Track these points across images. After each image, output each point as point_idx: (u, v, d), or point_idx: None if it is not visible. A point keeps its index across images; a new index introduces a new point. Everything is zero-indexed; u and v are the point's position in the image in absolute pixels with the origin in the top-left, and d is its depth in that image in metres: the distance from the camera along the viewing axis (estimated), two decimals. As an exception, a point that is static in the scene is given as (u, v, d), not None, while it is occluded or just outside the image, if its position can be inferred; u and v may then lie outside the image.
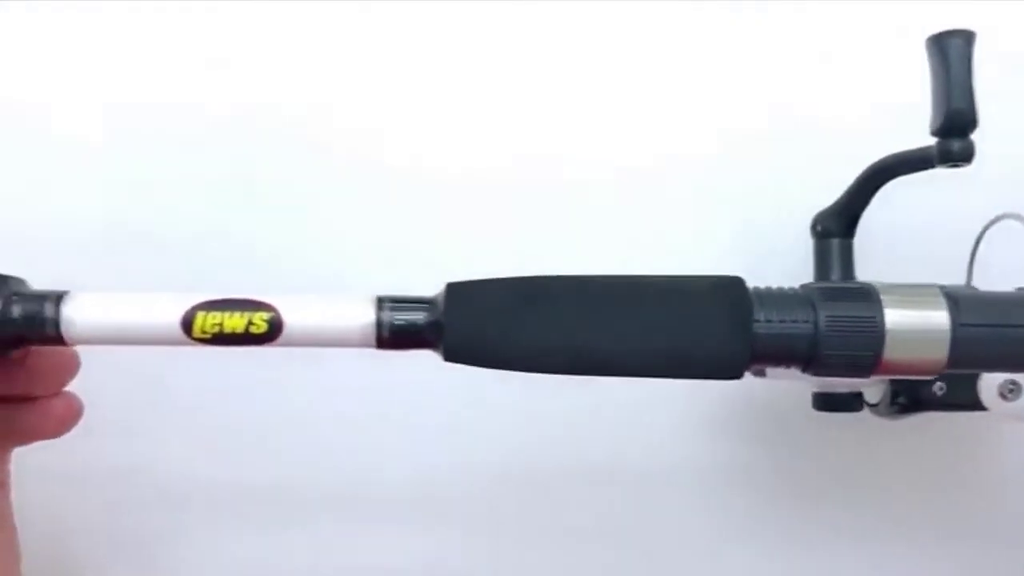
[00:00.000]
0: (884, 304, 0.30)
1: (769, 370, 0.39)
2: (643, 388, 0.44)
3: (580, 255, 0.45)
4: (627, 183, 0.45)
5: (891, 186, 0.39)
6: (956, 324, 0.30)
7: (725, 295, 0.30)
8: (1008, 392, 0.38)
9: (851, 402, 0.41)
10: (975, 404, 0.38)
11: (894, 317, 0.29)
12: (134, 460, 0.46)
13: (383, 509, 0.47)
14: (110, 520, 0.47)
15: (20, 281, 0.30)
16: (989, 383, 0.38)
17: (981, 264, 0.41)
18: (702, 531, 0.47)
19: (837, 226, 0.41)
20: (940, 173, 0.36)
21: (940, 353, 0.30)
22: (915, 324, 0.30)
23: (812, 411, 0.41)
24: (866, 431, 0.43)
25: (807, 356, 0.30)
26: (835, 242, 0.41)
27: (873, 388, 0.41)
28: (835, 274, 0.41)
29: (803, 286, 0.31)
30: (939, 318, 0.30)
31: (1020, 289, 0.33)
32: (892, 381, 0.39)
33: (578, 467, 0.47)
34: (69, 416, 0.34)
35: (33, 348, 0.31)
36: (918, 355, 0.30)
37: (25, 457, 0.34)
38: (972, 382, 0.38)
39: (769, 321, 0.30)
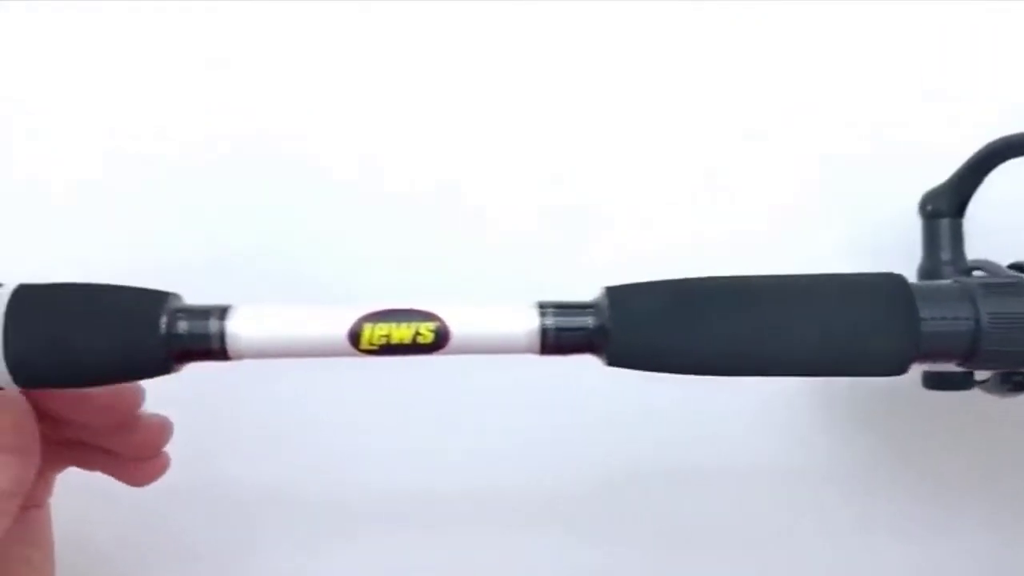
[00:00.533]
0: (1047, 299, 0.30)
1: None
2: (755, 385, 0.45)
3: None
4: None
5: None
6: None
7: (889, 292, 0.30)
8: None
9: (963, 381, 0.41)
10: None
11: (1053, 310, 0.30)
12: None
13: (493, 513, 0.47)
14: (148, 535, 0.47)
15: (178, 296, 0.30)
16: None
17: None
18: (828, 526, 0.47)
19: (947, 206, 0.41)
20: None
21: (1100, 344, 0.30)
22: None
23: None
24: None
25: (968, 352, 0.30)
26: (945, 222, 0.41)
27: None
28: (945, 255, 0.41)
29: (957, 280, 0.31)
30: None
31: None
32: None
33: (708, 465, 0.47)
34: (157, 474, 0.35)
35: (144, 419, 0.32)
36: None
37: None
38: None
39: (932, 318, 0.30)
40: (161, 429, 0.35)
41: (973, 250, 0.41)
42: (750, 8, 0.44)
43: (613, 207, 0.45)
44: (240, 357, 0.29)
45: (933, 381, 0.41)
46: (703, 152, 0.45)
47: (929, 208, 0.42)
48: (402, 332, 0.29)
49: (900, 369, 0.30)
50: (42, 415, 0.32)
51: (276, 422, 0.45)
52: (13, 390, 0.29)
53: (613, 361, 0.30)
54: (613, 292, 0.30)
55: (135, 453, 0.35)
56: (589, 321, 0.30)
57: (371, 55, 0.44)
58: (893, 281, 0.30)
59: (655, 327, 0.29)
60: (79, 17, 0.44)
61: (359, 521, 0.46)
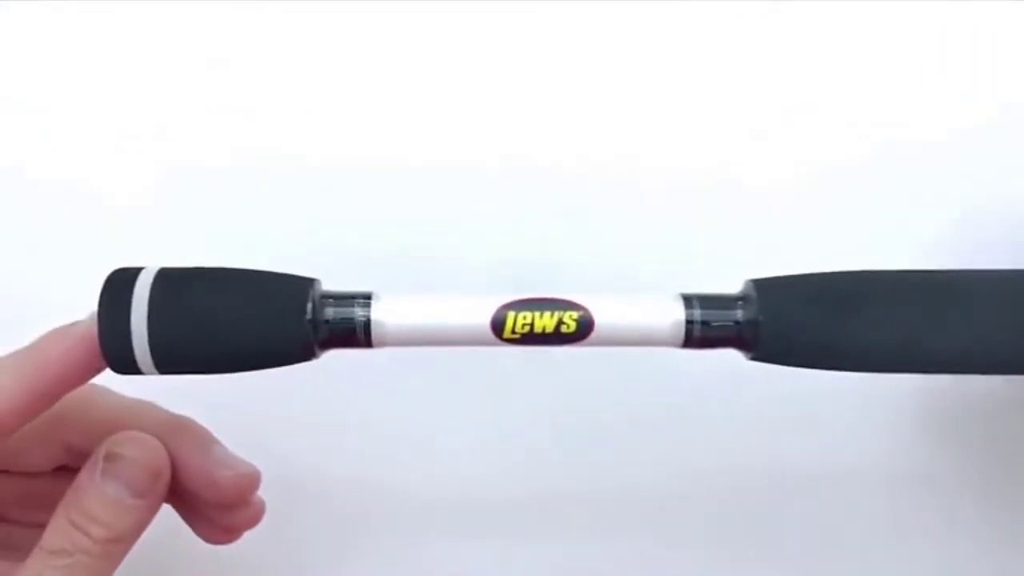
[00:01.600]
0: None
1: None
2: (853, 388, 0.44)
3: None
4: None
5: None
6: None
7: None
8: None
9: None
10: None
11: None
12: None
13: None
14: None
15: (320, 283, 0.30)
16: None
17: None
18: (926, 532, 0.46)
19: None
20: None
21: None
22: None
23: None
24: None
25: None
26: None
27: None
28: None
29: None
30: None
31: None
32: None
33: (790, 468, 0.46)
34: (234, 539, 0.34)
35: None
36: None
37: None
38: None
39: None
40: (261, 509, 0.34)
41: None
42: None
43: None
44: (383, 345, 0.29)
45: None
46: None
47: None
48: (545, 321, 0.29)
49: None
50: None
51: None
52: (156, 442, 0.30)
53: (761, 356, 0.29)
54: (761, 284, 0.29)
55: (235, 527, 0.34)
56: (738, 314, 0.29)
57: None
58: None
59: (807, 321, 0.29)
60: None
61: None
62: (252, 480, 0.33)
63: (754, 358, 0.29)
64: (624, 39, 0.43)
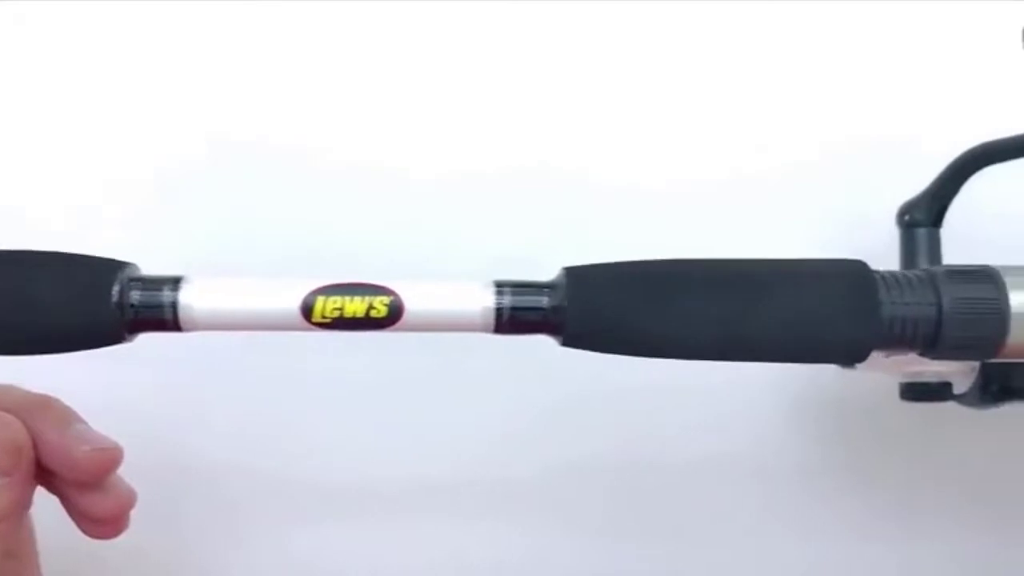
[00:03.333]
0: (1008, 286, 0.29)
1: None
2: (725, 380, 0.45)
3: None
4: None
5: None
6: (1082, 307, 0.29)
7: (851, 276, 0.29)
8: (1104, 380, 0.37)
9: (940, 391, 0.40)
10: (1069, 394, 0.38)
11: (1019, 299, 0.29)
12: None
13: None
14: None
15: (134, 267, 0.30)
16: (1086, 373, 0.38)
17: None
18: (782, 522, 0.47)
19: (925, 215, 0.41)
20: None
21: (1065, 335, 0.29)
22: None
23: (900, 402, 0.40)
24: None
25: (931, 339, 0.29)
26: (922, 232, 0.41)
27: (960, 377, 0.40)
28: (923, 264, 0.41)
29: (924, 269, 0.31)
30: (1064, 300, 0.29)
31: None
32: (983, 369, 0.39)
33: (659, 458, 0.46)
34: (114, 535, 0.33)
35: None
36: (1043, 338, 0.29)
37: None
38: (1067, 371, 0.38)
39: (894, 303, 0.29)
40: (130, 497, 0.33)
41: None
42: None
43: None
44: (193, 328, 0.29)
45: (911, 392, 0.40)
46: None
47: (907, 218, 0.41)
48: (355, 306, 0.29)
49: (860, 355, 0.29)
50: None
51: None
52: (11, 418, 0.29)
53: (569, 342, 0.29)
54: (572, 272, 0.30)
55: (100, 515, 0.33)
56: (544, 301, 0.29)
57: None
58: (855, 266, 0.30)
59: (614, 308, 0.29)
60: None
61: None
62: (110, 455, 0.32)
63: (564, 343, 0.30)
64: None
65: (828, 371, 0.43)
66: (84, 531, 0.33)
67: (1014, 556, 0.47)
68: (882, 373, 0.40)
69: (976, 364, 0.39)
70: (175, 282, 0.29)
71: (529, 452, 0.47)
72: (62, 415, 0.32)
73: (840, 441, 0.47)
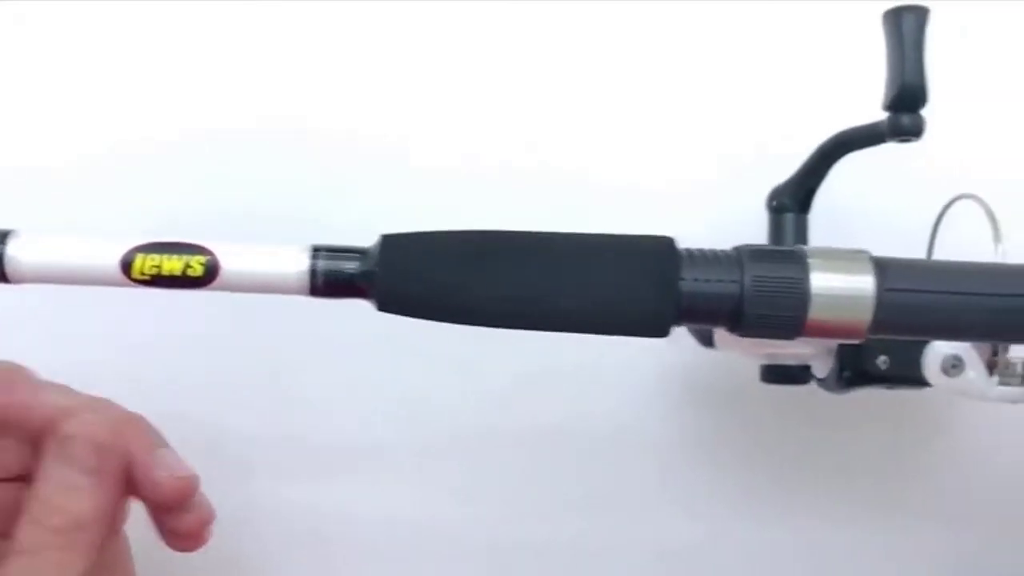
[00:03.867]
0: (811, 267, 0.30)
1: (718, 341, 0.40)
2: (591, 356, 0.46)
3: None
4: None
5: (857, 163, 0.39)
6: (881, 288, 0.30)
7: (653, 253, 0.30)
8: (951, 367, 0.38)
9: (799, 374, 0.41)
10: (919, 379, 0.38)
11: (820, 279, 0.30)
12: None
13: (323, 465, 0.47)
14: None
15: None
16: (932, 358, 0.38)
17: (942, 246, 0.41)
18: (648, 500, 0.48)
19: (792, 201, 0.41)
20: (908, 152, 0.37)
21: (864, 316, 0.30)
22: (840, 287, 0.30)
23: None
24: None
25: (733, 316, 0.30)
26: (790, 217, 0.42)
27: (821, 361, 0.41)
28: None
29: (735, 248, 0.31)
30: (864, 281, 0.30)
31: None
32: (838, 354, 0.40)
33: (530, 430, 0.47)
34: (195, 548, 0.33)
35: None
36: (842, 317, 0.30)
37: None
38: (916, 356, 0.38)
39: (696, 280, 0.30)
40: (209, 514, 0.34)
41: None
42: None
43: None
44: (21, 281, 0.30)
45: (770, 375, 0.41)
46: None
47: (775, 203, 0.42)
48: (173, 264, 0.30)
49: (661, 329, 0.30)
50: None
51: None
52: (99, 419, 0.30)
53: (383, 307, 0.30)
54: (388, 239, 0.31)
55: (182, 531, 0.33)
56: (356, 265, 0.30)
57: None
58: (661, 242, 0.30)
59: (424, 274, 0.30)
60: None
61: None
62: (188, 484, 0.33)
63: (380, 308, 0.31)
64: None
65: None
66: (166, 542, 0.34)
67: (876, 539, 0.48)
68: (740, 354, 0.41)
69: (834, 348, 0.40)
70: (3, 236, 0.30)
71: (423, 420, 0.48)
72: (150, 436, 0.33)
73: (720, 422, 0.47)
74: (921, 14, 0.36)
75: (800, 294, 0.30)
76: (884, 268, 0.30)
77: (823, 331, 0.30)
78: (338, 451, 0.47)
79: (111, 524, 0.31)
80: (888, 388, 0.40)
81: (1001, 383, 0.38)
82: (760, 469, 0.47)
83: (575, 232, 0.31)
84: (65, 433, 0.30)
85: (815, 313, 0.30)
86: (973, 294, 0.30)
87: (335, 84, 0.46)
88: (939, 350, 0.38)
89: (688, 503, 0.48)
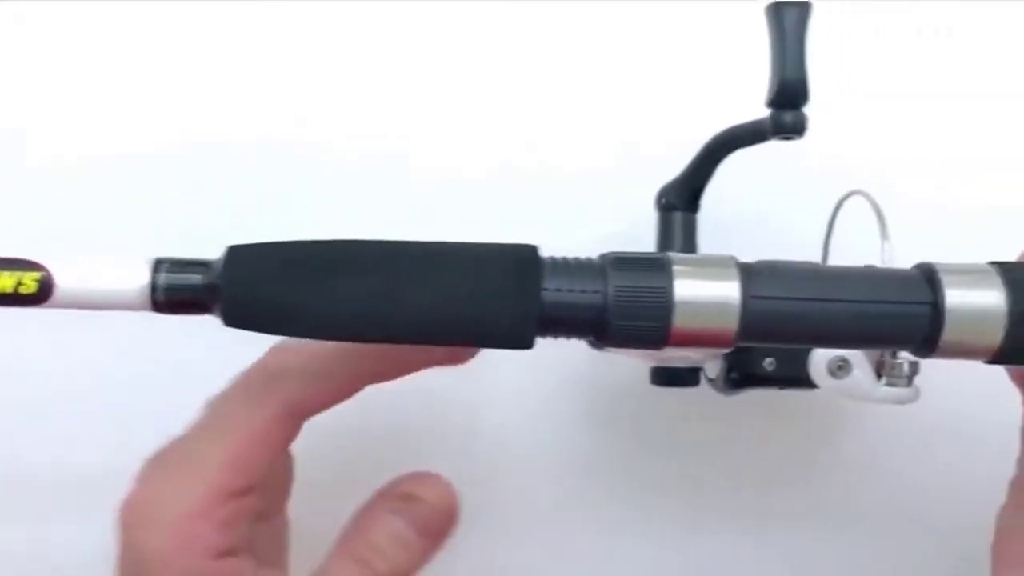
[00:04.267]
0: (675, 275, 0.29)
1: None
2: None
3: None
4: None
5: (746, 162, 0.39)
6: (747, 296, 0.29)
7: (514, 262, 0.29)
8: (837, 369, 0.38)
9: (688, 377, 0.40)
10: (806, 380, 0.38)
11: (684, 288, 0.29)
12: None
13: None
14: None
15: None
16: (818, 360, 0.38)
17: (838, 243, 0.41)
18: (537, 510, 0.47)
19: (680, 200, 0.41)
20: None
21: (730, 324, 0.29)
22: (705, 295, 0.29)
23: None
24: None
25: (597, 326, 0.29)
26: (678, 215, 0.41)
27: (712, 362, 0.40)
28: (676, 248, 0.40)
29: (601, 255, 0.30)
30: (729, 289, 0.29)
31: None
32: (726, 355, 0.39)
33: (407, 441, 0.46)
34: None
35: None
36: (708, 326, 0.29)
37: None
38: (803, 358, 0.38)
39: (559, 290, 0.29)
40: None
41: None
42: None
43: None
44: None
45: (659, 377, 0.40)
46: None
47: (664, 201, 0.41)
48: (4, 281, 0.28)
49: (522, 340, 0.29)
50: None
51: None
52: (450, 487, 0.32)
53: (229, 321, 0.29)
54: (233, 251, 0.29)
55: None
56: (199, 279, 0.29)
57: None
58: (522, 250, 0.29)
59: (269, 287, 0.29)
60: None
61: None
62: None
63: (226, 324, 0.29)
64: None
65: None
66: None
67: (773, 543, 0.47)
68: (626, 356, 0.40)
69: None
70: None
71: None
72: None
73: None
74: (804, 9, 0.35)
75: (663, 303, 0.29)
76: (751, 275, 0.29)
77: (690, 340, 0.30)
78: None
79: None
80: (777, 389, 0.39)
81: (888, 384, 0.38)
82: (650, 475, 0.47)
83: (436, 241, 0.30)
84: (418, 494, 0.32)
85: (680, 322, 0.29)
86: (841, 300, 0.30)
87: (333, 86, 0.45)
88: (825, 351, 0.37)
89: (584, 518, 0.47)
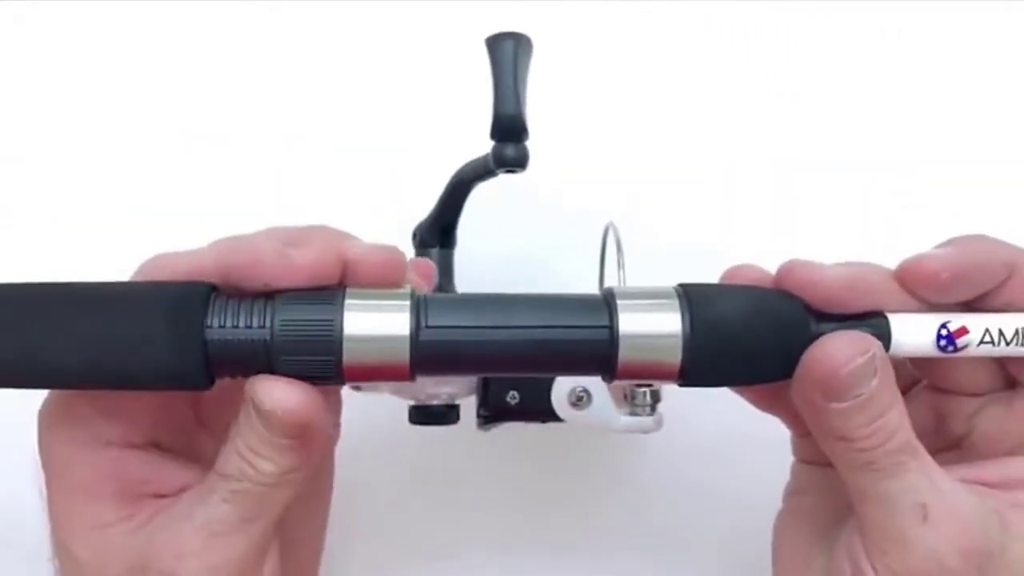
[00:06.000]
0: (346, 308, 0.29)
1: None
2: None
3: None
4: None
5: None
6: (419, 327, 0.29)
7: (175, 300, 0.29)
8: (577, 400, 0.37)
9: (446, 415, 0.40)
10: (551, 413, 0.38)
11: (354, 321, 0.29)
12: None
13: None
14: None
15: None
16: (559, 391, 0.37)
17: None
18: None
19: (432, 237, 0.41)
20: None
21: (402, 357, 0.29)
22: (374, 328, 0.29)
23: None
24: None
25: (266, 363, 0.29)
26: (434, 252, 0.41)
27: (469, 398, 0.40)
28: (433, 285, 0.40)
29: (266, 293, 0.30)
30: (399, 321, 0.29)
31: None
32: (477, 391, 0.39)
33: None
34: None
35: None
36: (382, 360, 0.29)
37: None
38: (546, 390, 0.38)
39: (223, 327, 0.29)
40: None
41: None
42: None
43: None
44: None
45: (417, 416, 0.40)
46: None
47: (418, 238, 0.41)
48: None
49: (196, 382, 0.29)
50: None
51: None
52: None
53: None
54: None
55: None
56: None
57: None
58: (187, 288, 0.29)
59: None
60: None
61: None
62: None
63: None
64: None
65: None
66: None
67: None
68: (389, 394, 0.39)
69: (476, 384, 0.39)
70: None
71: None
72: None
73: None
74: (520, 42, 0.36)
75: (330, 338, 0.29)
76: (424, 306, 0.29)
77: (366, 374, 0.30)
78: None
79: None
80: (525, 422, 0.39)
81: (631, 413, 0.37)
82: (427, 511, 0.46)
83: (98, 282, 0.29)
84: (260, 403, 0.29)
85: (351, 357, 0.29)
86: (519, 327, 0.30)
87: (330, 85, 0.46)
88: (566, 383, 0.37)
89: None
